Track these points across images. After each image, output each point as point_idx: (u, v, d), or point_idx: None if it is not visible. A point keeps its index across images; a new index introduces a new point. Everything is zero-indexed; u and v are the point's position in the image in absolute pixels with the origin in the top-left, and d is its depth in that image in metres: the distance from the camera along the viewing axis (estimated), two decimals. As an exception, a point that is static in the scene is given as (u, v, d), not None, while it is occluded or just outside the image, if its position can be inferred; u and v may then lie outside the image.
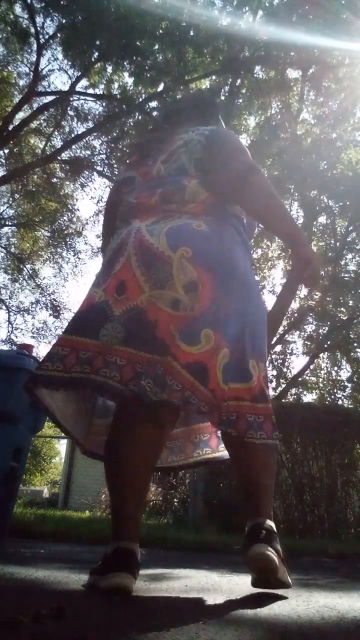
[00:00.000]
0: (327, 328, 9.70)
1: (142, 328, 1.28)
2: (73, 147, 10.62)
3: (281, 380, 10.22)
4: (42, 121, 10.85)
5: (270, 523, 1.31)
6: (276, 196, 1.46)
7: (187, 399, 1.24)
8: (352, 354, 10.16)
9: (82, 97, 10.27)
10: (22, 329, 12.28)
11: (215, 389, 1.27)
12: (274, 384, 9.92)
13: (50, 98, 10.20)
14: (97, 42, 8.49)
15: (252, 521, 1.33)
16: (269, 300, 9.84)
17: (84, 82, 10.17)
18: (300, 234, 1.50)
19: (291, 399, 10.14)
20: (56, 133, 10.82)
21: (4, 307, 12.54)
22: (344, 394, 10.58)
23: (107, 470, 1.36)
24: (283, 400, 8.78)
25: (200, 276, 1.31)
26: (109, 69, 9.93)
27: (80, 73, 9.64)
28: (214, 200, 1.44)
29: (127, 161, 1.71)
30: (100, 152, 10.60)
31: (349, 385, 10.55)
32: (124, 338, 1.28)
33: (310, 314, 10.04)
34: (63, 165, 11.13)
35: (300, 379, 10.51)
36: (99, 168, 10.65)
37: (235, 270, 1.37)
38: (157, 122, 1.89)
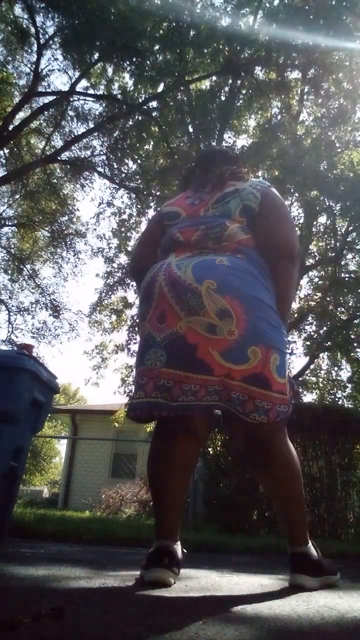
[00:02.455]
0: (327, 328, 9.69)
1: (182, 350, 1.46)
2: (73, 147, 10.63)
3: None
4: (42, 121, 10.85)
5: (303, 549, 1.52)
6: (295, 287, 1.77)
7: (258, 407, 1.44)
8: (352, 354, 10.16)
9: (82, 98, 10.27)
10: (22, 329, 12.28)
11: (280, 388, 1.48)
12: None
13: (50, 98, 10.20)
14: (97, 43, 8.49)
15: (289, 548, 1.54)
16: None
17: (84, 83, 10.19)
18: (288, 314, 1.76)
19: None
20: (56, 133, 10.83)
21: (4, 307, 12.54)
22: (344, 394, 10.58)
23: (150, 478, 1.59)
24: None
25: (229, 304, 1.46)
26: (109, 69, 9.94)
27: (80, 73, 9.64)
28: (248, 243, 1.62)
29: (173, 198, 1.89)
30: (101, 152, 10.60)
31: (349, 385, 10.55)
32: (166, 361, 1.47)
33: (310, 314, 10.05)
34: (63, 166, 11.13)
35: (300, 379, 10.52)
36: (99, 169, 10.65)
37: (255, 297, 1.51)
38: (195, 162, 2.08)
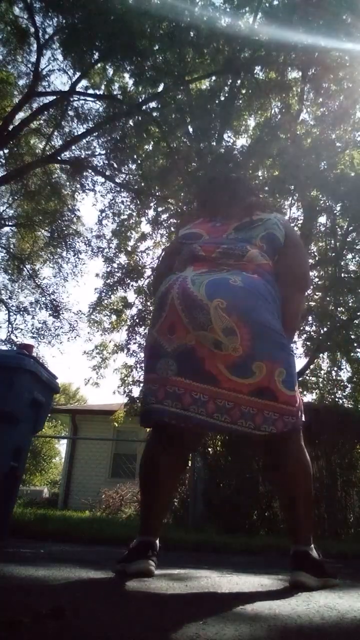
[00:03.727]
0: (327, 328, 9.69)
1: (192, 362, 1.55)
2: (73, 147, 10.63)
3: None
4: (42, 121, 10.84)
5: (306, 548, 1.55)
6: (301, 314, 1.93)
7: (266, 419, 1.53)
8: (352, 354, 10.15)
9: (82, 98, 10.27)
10: (22, 329, 12.25)
11: (286, 400, 1.55)
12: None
13: (50, 98, 10.19)
14: (97, 43, 8.48)
15: (292, 547, 1.57)
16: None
17: (84, 83, 10.18)
18: (293, 336, 1.95)
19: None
20: (56, 133, 10.82)
21: (4, 307, 12.53)
22: (344, 394, 10.57)
23: (140, 479, 1.70)
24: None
25: (235, 324, 1.54)
26: (109, 69, 9.94)
27: (80, 73, 9.64)
28: (266, 268, 1.72)
29: (193, 222, 1.97)
30: (101, 152, 10.60)
31: (349, 385, 10.53)
32: (177, 370, 1.55)
33: (310, 314, 10.04)
34: (63, 166, 11.13)
35: (300, 379, 10.50)
36: (99, 169, 10.64)
37: (260, 321, 1.59)
38: (212, 188, 2.15)
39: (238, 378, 1.52)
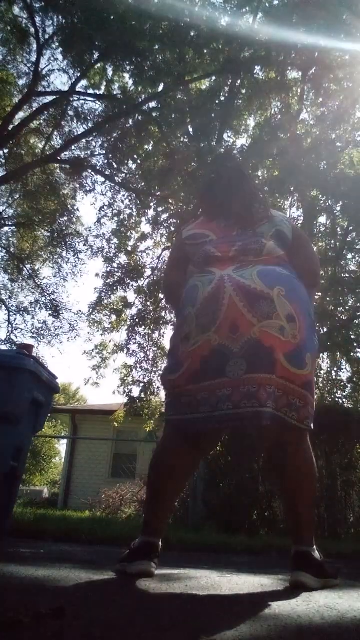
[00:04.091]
0: (327, 328, 9.68)
1: (261, 354, 1.51)
2: (73, 147, 10.63)
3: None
4: (42, 121, 10.84)
5: (307, 549, 1.54)
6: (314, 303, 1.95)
7: (309, 413, 1.56)
8: (352, 354, 10.14)
9: (82, 98, 10.27)
10: (22, 329, 12.25)
11: (314, 397, 1.61)
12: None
13: (50, 98, 10.19)
14: (97, 43, 8.48)
15: (294, 547, 1.56)
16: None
17: (84, 83, 10.18)
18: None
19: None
20: (56, 133, 10.82)
21: (3, 307, 12.53)
22: (344, 394, 10.56)
23: (150, 480, 1.68)
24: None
25: (294, 310, 1.56)
26: (109, 69, 9.93)
27: (80, 73, 9.63)
28: (285, 259, 1.74)
29: (195, 222, 1.96)
30: (101, 152, 10.60)
31: (349, 385, 10.52)
32: (247, 369, 1.51)
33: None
34: (63, 166, 11.13)
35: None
36: (98, 169, 10.64)
37: (309, 305, 1.67)
38: (215, 188, 2.05)
39: (293, 368, 1.53)
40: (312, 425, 1.58)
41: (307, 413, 1.55)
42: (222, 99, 9.60)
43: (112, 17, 7.79)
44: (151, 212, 10.76)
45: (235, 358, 1.52)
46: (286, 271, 1.67)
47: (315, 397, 1.65)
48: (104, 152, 10.43)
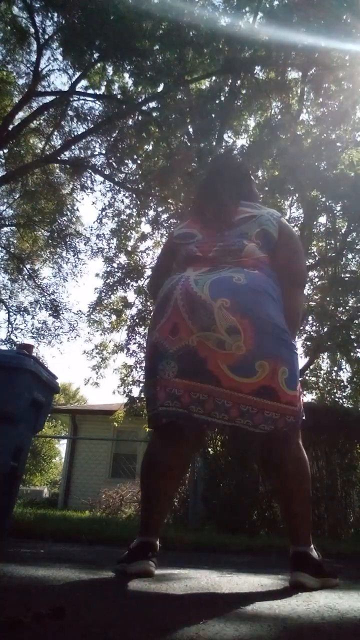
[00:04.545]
0: (327, 328, 9.68)
1: (194, 362, 1.53)
2: (73, 147, 10.62)
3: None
4: (42, 121, 10.85)
5: (305, 548, 1.55)
6: (302, 310, 1.88)
7: (266, 418, 1.53)
8: (352, 354, 10.15)
9: (82, 97, 10.27)
10: (22, 329, 12.25)
11: (289, 399, 1.56)
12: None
13: (50, 98, 10.19)
14: (97, 43, 8.48)
15: (292, 548, 1.56)
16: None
17: (84, 82, 10.18)
18: (296, 334, 1.89)
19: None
20: (56, 133, 10.82)
21: (3, 307, 12.54)
22: (344, 394, 10.57)
23: (142, 479, 1.68)
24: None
25: (239, 322, 1.54)
26: (109, 69, 9.94)
27: (80, 73, 9.64)
28: (265, 261, 1.71)
29: (186, 220, 1.96)
30: (101, 152, 10.60)
31: (349, 385, 10.53)
32: (178, 372, 1.54)
33: (311, 314, 10.04)
34: (63, 166, 11.13)
35: (300, 379, 10.45)
36: (98, 169, 10.64)
37: (265, 318, 1.59)
38: (202, 181, 2.18)
39: (240, 377, 1.52)
40: (276, 428, 1.54)
41: (261, 418, 1.52)
42: (222, 99, 9.60)
43: (112, 17, 7.79)
44: (151, 212, 10.77)
45: (168, 359, 1.57)
46: (250, 278, 1.61)
47: (300, 396, 1.62)
48: (104, 152, 10.44)
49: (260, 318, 1.57)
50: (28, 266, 12.68)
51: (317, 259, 9.93)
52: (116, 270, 10.76)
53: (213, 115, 9.34)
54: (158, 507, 1.69)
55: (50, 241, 12.33)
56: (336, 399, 10.26)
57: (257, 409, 1.52)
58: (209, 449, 5.30)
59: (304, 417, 1.66)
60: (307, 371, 10.71)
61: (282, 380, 1.55)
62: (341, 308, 10.02)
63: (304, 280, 1.90)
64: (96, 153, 10.70)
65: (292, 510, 1.60)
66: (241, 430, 1.55)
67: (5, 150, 10.69)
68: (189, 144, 9.48)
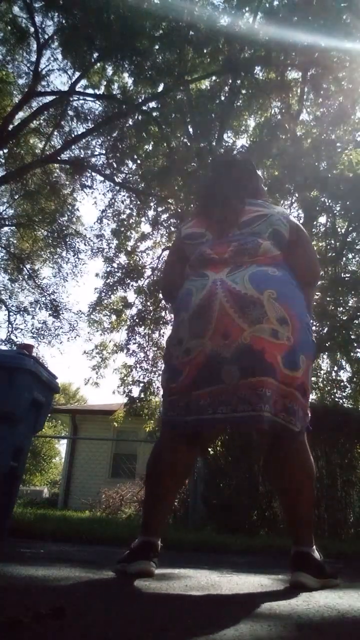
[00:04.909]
0: (327, 328, 9.68)
1: (252, 358, 1.51)
2: (73, 147, 10.63)
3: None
4: (42, 121, 10.85)
5: (307, 549, 1.54)
6: (312, 308, 1.86)
7: (299, 417, 1.55)
8: (352, 354, 10.14)
9: (82, 97, 10.27)
10: (22, 329, 12.26)
11: (308, 398, 1.62)
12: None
13: (50, 98, 10.20)
14: (97, 43, 8.49)
15: (293, 548, 1.56)
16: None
17: (83, 82, 10.18)
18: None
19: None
20: (56, 133, 10.82)
21: (3, 307, 12.54)
22: (344, 394, 10.56)
23: (147, 478, 1.68)
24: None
25: (286, 312, 1.55)
26: (109, 69, 9.94)
27: (80, 73, 9.64)
28: (280, 259, 1.72)
29: (194, 219, 1.93)
30: (101, 152, 10.60)
31: (349, 385, 10.52)
32: (240, 375, 1.51)
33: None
34: (63, 166, 11.13)
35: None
36: (98, 168, 10.64)
37: (303, 306, 1.65)
38: (208, 176, 2.18)
39: (287, 370, 1.52)
40: (309, 426, 1.59)
41: (302, 415, 1.56)
42: (222, 99, 9.60)
43: (112, 17, 7.79)
44: (151, 212, 10.77)
45: (227, 365, 1.52)
46: (279, 272, 1.65)
47: (310, 397, 1.65)
48: (104, 152, 10.44)
49: (301, 310, 1.61)
50: (28, 266, 12.69)
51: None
52: (116, 270, 10.76)
53: (213, 115, 9.34)
54: (161, 506, 1.68)
55: (50, 241, 12.33)
56: (336, 399, 10.26)
57: (299, 406, 1.54)
58: (209, 449, 5.29)
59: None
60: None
61: (308, 378, 1.59)
62: (341, 308, 10.01)
63: (315, 280, 1.91)
64: (96, 153, 10.71)
65: (295, 511, 1.59)
66: (280, 426, 1.51)
67: (5, 150, 10.69)
68: (188, 144, 9.48)
